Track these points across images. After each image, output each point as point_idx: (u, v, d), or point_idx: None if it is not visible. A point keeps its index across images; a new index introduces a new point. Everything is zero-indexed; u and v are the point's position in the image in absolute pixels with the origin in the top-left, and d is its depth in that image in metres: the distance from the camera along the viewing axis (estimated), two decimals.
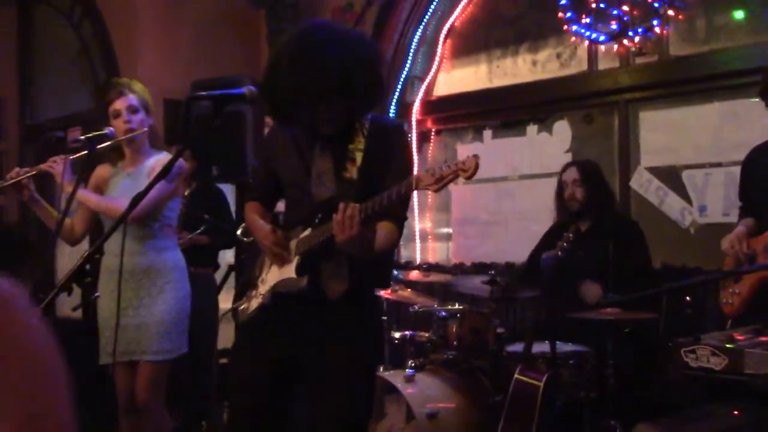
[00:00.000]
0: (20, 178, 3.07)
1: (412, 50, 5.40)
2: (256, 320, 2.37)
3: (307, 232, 2.27)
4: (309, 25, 2.28)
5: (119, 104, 3.16)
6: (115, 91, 3.19)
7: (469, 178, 1.91)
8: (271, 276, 2.36)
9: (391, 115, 5.39)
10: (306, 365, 2.31)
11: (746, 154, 3.20)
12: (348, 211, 2.04)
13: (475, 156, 1.90)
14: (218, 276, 4.84)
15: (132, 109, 3.16)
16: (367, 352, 2.39)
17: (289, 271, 2.28)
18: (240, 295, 2.52)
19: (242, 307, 2.46)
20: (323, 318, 2.28)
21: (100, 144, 3.03)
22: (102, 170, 3.32)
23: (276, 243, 2.29)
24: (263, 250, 2.39)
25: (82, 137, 2.96)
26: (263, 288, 2.38)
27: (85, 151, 2.91)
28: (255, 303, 2.38)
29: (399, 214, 2.29)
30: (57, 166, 3.06)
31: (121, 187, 3.20)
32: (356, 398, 2.30)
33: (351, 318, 2.29)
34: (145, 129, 3.20)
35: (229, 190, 4.99)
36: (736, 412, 2.02)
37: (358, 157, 2.29)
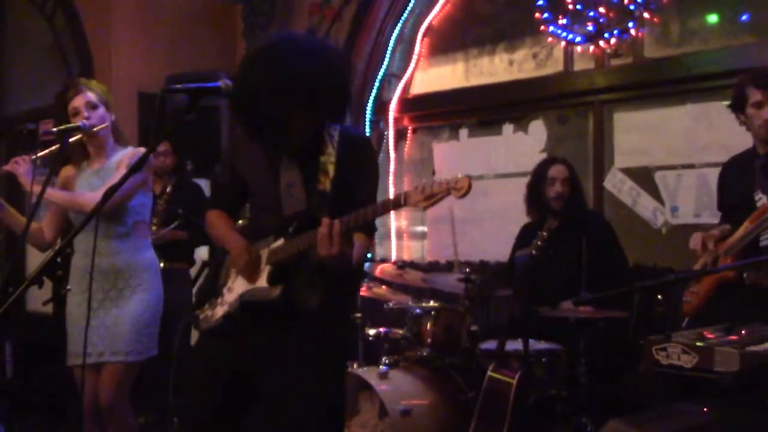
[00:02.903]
0: None
1: (389, 48, 5.40)
2: (221, 329, 2.33)
3: (280, 242, 2.26)
4: (278, 38, 2.28)
5: (77, 101, 3.09)
6: (72, 89, 3.14)
7: (461, 197, 1.88)
8: (239, 285, 2.33)
9: (368, 113, 5.40)
10: (268, 376, 2.28)
11: (722, 167, 3.26)
12: (331, 227, 2.04)
13: (467, 176, 1.88)
14: (192, 272, 4.80)
15: (91, 105, 3.10)
16: (334, 359, 2.38)
17: (260, 280, 2.27)
18: (200, 302, 2.47)
19: (204, 315, 2.41)
20: (290, 328, 2.26)
21: (72, 136, 2.98)
22: (67, 171, 3.25)
23: (249, 262, 2.29)
24: (233, 266, 2.37)
25: (55, 129, 2.91)
26: (230, 296, 2.34)
27: (54, 147, 2.86)
28: (220, 311, 2.35)
29: (372, 226, 2.33)
30: (19, 166, 3.00)
31: (89, 186, 3.14)
32: (322, 409, 2.27)
33: (318, 329, 2.28)
34: (107, 123, 3.14)
35: (203, 185, 4.95)
36: (705, 409, 2.05)
37: (331, 169, 2.29)
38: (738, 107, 3.01)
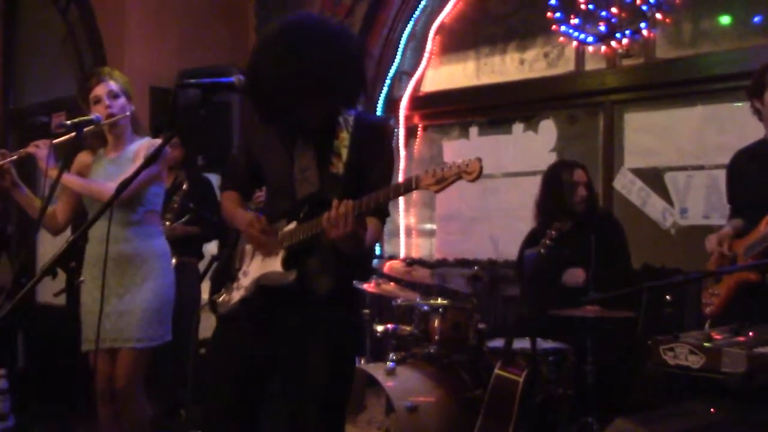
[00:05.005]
0: (2, 162, 3.03)
1: (401, 46, 5.41)
2: (237, 313, 2.33)
3: (292, 226, 2.25)
4: (291, 20, 2.24)
5: (99, 90, 3.13)
6: (95, 77, 3.17)
7: (473, 180, 1.87)
8: (254, 268, 2.33)
9: (379, 110, 5.41)
10: (285, 359, 2.30)
11: (731, 158, 3.22)
12: (342, 208, 2.02)
13: (478, 159, 1.86)
14: (201, 266, 4.82)
15: (112, 95, 3.14)
16: (348, 344, 2.39)
17: (275, 264, 2.26)
18: (217, 286, 2.46)
19: (221, 299, 2.41)
20: (305, 312, 2.26)
21: (85, 127, 3.00)
22: (83, 157, 3.28)
23: (262, 230, 2.26)
24: (247, 240, 2.36)
25: (68, 122, 2.93)
26: (246, 280, 2.34)
27: (72, 134, 2.88)
28: (237, 295, 2.35)
29: (384, 210, 2.31)
30: (40, 150, 3.03)
31: (105, 173, 3.18)
32: (336, 389, 2.30)
33: (333, 312, 2.28)
34: (127, 113, 3.18)
35: (214, 180, 4.97)
36: (712, 410, 2.05)
37: (344, 152, 2.28)
38: (756, 92, 2.92)
